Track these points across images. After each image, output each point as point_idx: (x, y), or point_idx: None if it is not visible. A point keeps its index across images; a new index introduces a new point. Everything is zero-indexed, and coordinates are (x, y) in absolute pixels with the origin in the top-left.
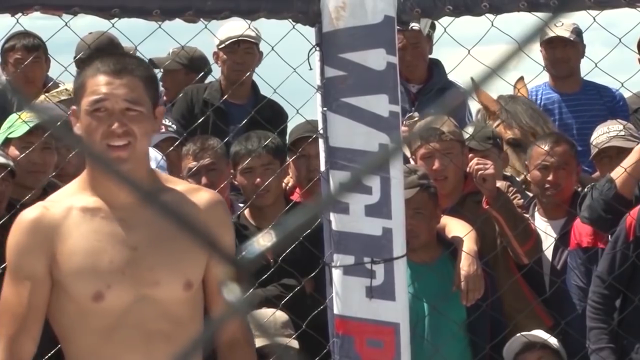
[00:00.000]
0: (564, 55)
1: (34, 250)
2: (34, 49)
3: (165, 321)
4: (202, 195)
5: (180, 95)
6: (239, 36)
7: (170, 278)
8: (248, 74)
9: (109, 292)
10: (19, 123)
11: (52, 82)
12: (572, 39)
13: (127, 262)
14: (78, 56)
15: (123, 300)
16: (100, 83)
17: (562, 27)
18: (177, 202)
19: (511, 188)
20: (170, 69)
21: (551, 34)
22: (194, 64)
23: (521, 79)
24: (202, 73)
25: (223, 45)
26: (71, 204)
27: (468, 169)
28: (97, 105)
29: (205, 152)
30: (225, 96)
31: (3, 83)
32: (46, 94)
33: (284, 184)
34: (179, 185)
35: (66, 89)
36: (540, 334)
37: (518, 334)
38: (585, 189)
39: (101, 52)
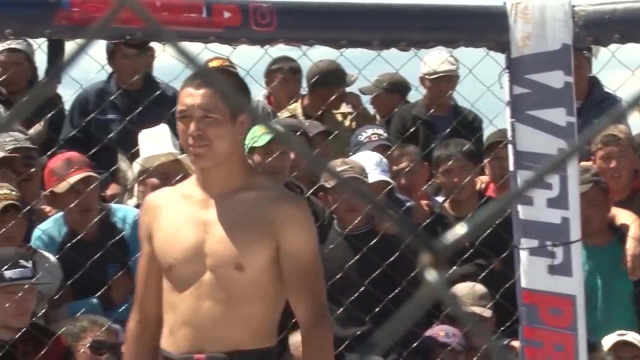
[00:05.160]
0: None
1: (143, 226)
2: (298, 71)
3: (222, 297)
4: (277, 197)
5: (395, 115)
6: (443, 71)
7: (222, 259)
8: (449, 93)
9: (176, 265)
10: (260, 134)
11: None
12: None
13: (191, 243)
14: (313, 79)
15: (185, 273)
16: (185, 95)
17: None
18: (253, 199)
19: None
20: (376, 93)
21: None
22: (393, 86)
23: None
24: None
25: (430, 76)
26: (179, 192)
27: None
28: (181, 113)
29: (402, 157)
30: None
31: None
32: None
33: (478, 183)
34: (271, 187)
35: None
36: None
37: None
38: None
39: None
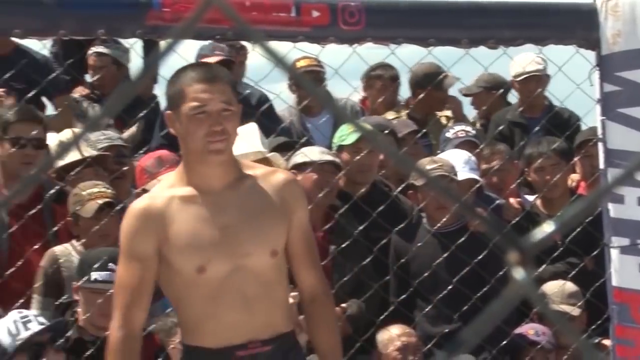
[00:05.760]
0: None
1: (144, 234)
2: (396, 79)
3: (258, 285)
4: (278, 176)
5: (491, 121)
6: (531, 71)
7: (258, 248)
8: (538, 91)
9: (210, 265)
10: (349, 132)
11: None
12: None
13: (221, 239)
14: (412, 82)
15: (222, 271)
16: (200, 90)
17: None
18: (257, 184)
19: None
20: (474, 92)
21: None
22: (492, 84)
23: None
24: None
25: (518, 77)
26: (172, 194)
27: None
28: (199, 109)
29: (493, 156)
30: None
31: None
32: None
33: (569, 181)
34: (258, 169)
35: None
36: None
37: None
38: None
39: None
